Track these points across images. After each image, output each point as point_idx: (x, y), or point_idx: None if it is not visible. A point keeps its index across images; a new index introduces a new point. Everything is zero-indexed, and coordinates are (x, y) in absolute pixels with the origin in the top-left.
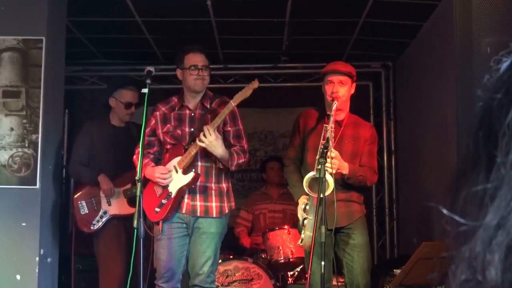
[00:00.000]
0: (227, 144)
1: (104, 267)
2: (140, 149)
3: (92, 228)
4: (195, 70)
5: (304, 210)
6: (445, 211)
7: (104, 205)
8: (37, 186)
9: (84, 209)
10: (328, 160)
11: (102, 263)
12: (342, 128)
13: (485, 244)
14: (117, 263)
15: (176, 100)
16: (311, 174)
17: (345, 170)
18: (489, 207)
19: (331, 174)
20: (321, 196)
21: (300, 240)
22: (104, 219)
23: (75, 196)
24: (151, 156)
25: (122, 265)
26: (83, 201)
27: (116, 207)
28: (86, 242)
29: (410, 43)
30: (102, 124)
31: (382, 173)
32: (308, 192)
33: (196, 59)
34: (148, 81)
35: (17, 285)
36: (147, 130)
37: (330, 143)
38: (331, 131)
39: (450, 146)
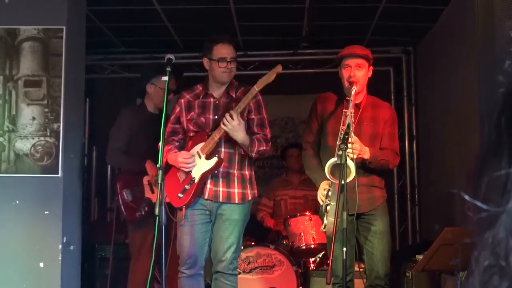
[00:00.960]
0: (250, 132)
1: (138, 256)
2: (161, 136)
3: (137, 215)
4: (223, 62)
5: (327, 196)
6: (467, 197)
7: (148, 193)
8: (59, 174)
9: (129, 197)
10: (349, 145)
11: (136, 251)
12: (360, 111)
13: (508, 230)
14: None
15: (200, 88)
16: (332, 160)
17: (366, 155)
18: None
19: (352, 159)
20: (343, 182)
21: (323, 226)
22: (147, 207)
23: (119, 184)
24: (176, 143)
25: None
26: (128, 189)
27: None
28: (109, 230)
29: (431, 27)
30: (139, 111)
31: (404, 158)
32: (330, 179)
33: (225, 51)
34: (168, 69)
35: (40, 272)
36: (172, 117)
37: (351, 128)
38: (351, 116)
39: (472, 131)
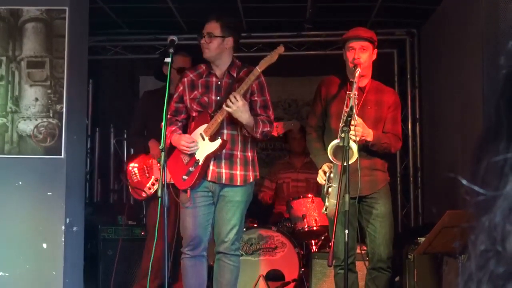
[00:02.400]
0: (254, 114)
1: (152, 235)
2: (164, 117)
3: (143, 195)
4: (200, 38)
5: (329, 178)
6: (464, 182)
7: (156, 172)
8: (62, 155)
9: (137, 177)
10: (352, 128)
11: (151, 230)
12: (364, 94)
13: (505, 214)
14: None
15: (204, 67)
16: (335, 142)
17: (370, 137)
18: (509, 176)
19: (355, 141)
20: (345, 164)
21: (324, 208)
22: (155, 186)
23: (129, 164)
24: (179, 123)
25: (171, 233)
26: (136, 169)
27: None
28: (111, 212)
29: (435, 9)
30: (158, 93)
31: (407, 141)
32: (332, 160)
33: (206, 26)
34: (171, 50)
35: (43, 253)
36: (175, 96)
37: (354, 110)
38: (355, 98)
39: (476, 114)
